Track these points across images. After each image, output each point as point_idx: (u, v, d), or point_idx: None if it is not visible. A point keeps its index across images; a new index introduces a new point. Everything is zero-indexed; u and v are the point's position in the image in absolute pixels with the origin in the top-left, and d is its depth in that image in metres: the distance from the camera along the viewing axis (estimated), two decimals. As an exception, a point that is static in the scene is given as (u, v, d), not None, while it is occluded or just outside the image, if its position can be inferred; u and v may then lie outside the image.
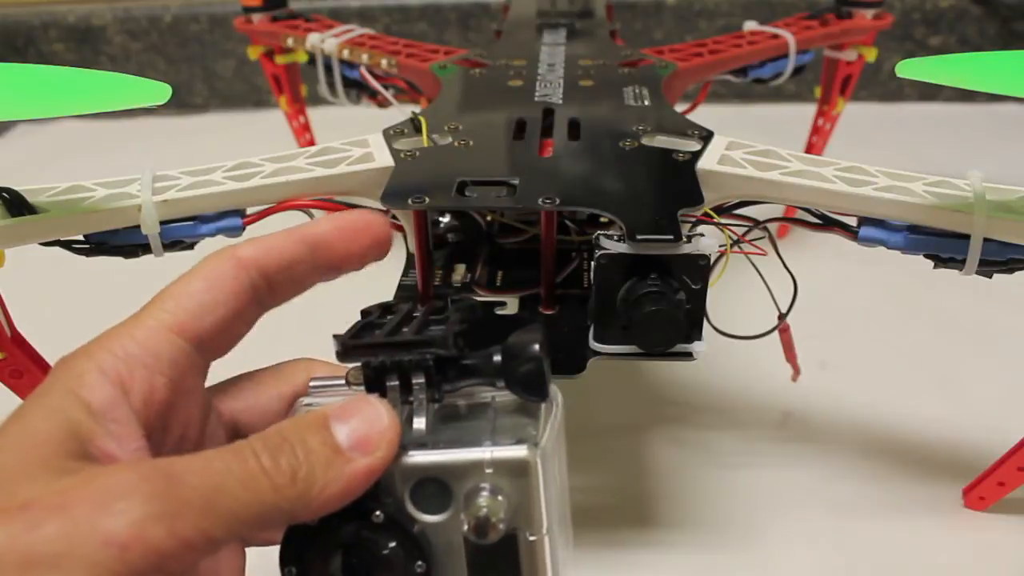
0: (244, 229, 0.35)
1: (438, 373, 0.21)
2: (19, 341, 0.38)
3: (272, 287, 0.23)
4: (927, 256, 0.34)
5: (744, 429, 0.48)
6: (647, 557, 0.40)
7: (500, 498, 0.20)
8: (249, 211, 0.35)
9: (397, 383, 0.21)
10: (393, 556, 0.20)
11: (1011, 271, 0.34)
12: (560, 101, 0.43)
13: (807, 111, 0.67)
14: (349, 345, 0.21)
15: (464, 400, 0.22)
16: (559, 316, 0.35)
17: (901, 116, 0.93)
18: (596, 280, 0.31)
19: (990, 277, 0.34)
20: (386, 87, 0.56)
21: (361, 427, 0.19)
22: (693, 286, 0.30)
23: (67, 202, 0.34)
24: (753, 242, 0.34)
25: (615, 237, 0.30)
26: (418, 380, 0.21)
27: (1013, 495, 0.40)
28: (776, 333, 0.38)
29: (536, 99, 0.43)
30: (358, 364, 0.21)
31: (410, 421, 0.21)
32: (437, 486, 0.20)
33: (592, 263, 0.31)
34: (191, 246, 0.36)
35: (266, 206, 0.35)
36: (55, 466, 0.18)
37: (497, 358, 0.21)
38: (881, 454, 0.45)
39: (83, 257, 0.35)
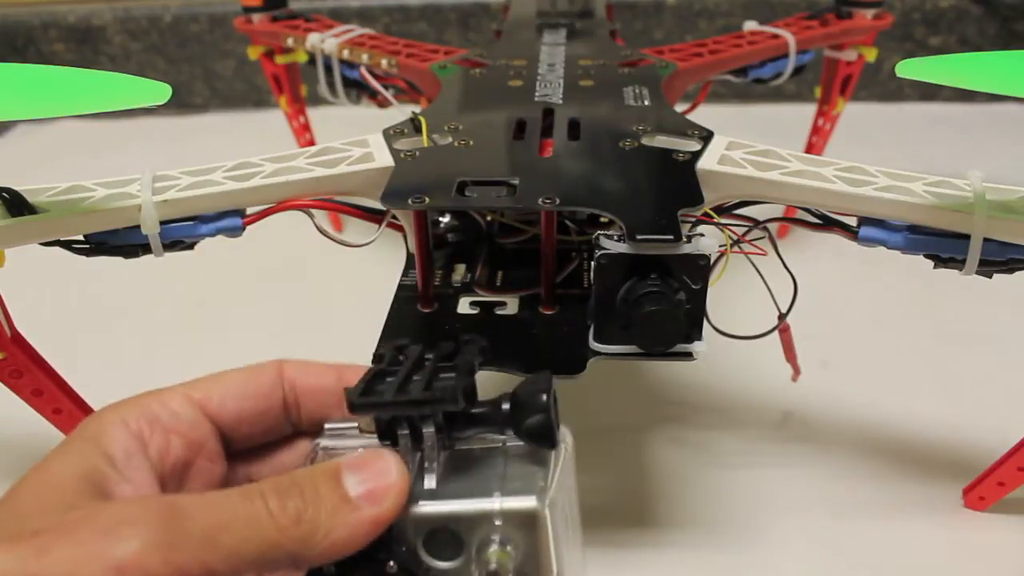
0: (244, 229, 0.35)
1: (447, 424, 0.21)
2: (19, 341, 0.38)
3: (299, 406, 0.25)
4: (927, 256, 0.34)
5: (744, 429, 0.48)
6: (647, 557, 0.39)
7: (510, 548, 0.20)
8: (249, 211, 0.35)
9: (408, 432, 0.21)
10: None
11: (1011, 271, 0.34)
12: (560, 101, 0.43)
13: (807, 111, 0.67)
14: (358, 404, 0.21)
15: (475, 444, 0.22)
16: (559, 316, 0.35)
17: (901, 116, 0.93)
18: (596, 280, 0.31)
19: (990, 277, 0.34)
20: (386, 87, 0.56)
21: (371, 479, 0.20)
22: (693, 286, 0.30)
23: (67, 202, 0.34)
24: (753, 242, 0.34)
25: (615, 237, 0.30)
26: (428, 430, 0.21)
27: (1013, 495, 0.40)
28: (776, 333, 0.38)
29: (536, 99, 0.43)
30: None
31: (422, 469, 0.21)
32: (449, 534, 0.21)
33: (592, 263, 0.31)
34: (191, 246, 0.36)
35: (266, 206, 0.35)
36: (70, 503, 0.19)
37: (506, 406, 0.21)
38: (881, 454, 0.45)
39: (83, 257, 0.35)
